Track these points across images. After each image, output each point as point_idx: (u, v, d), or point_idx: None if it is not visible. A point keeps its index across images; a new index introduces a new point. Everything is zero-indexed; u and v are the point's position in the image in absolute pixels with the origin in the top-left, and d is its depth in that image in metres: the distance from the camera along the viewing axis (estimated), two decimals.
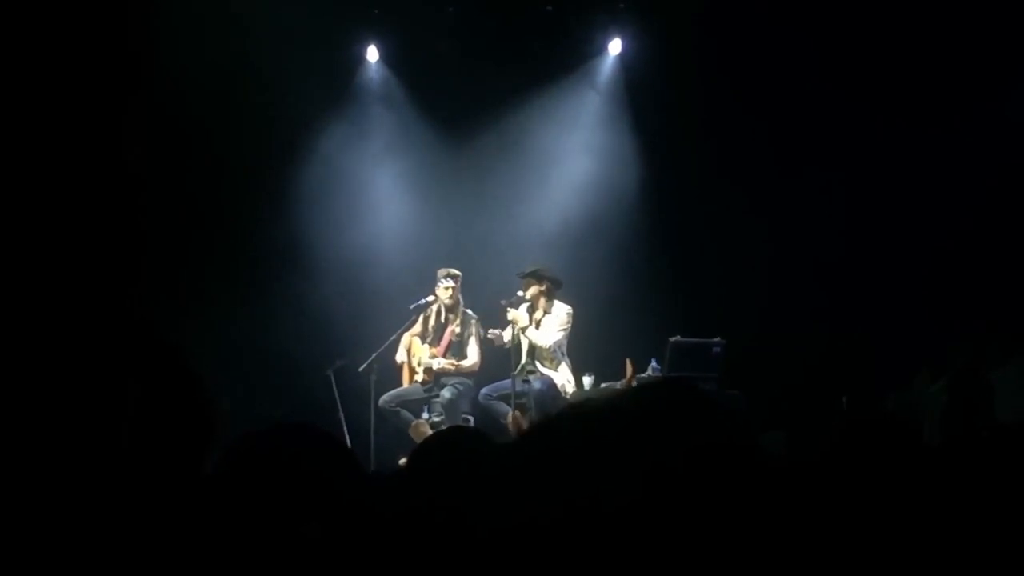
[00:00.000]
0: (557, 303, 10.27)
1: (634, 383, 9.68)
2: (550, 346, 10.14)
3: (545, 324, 10.23)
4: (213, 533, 2.08)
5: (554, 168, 11.86)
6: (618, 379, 9.88)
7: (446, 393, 10.21)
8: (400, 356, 10.49)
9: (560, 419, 1.37)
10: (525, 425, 10.08)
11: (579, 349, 10.36)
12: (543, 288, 10.24)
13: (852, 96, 10.59)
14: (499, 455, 2.74)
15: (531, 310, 10.33)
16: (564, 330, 10.22)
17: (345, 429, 9.99)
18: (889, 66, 10.50)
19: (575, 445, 1.30)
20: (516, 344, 10.39)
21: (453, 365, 10.36)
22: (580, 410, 1.37)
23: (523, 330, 10.17)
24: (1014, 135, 10.13)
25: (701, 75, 11.11)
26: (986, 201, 9.97)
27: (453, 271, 10.40)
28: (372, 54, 11.97)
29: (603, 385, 9.97)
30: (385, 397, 10.27)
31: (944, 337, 9.50)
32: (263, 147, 10.94)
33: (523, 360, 10.36)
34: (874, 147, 10.58)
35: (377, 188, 11.99)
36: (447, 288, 10.35)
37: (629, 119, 11.87)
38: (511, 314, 10.11)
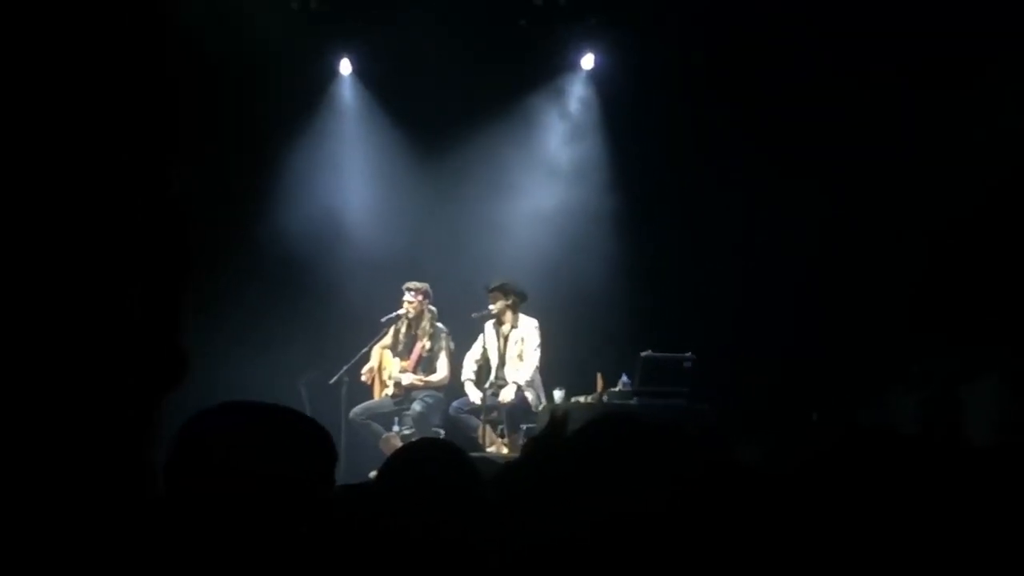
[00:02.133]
0: (523, 317, 10.32)
1: (605, 398, 9.68)
2: (536, 367, 10.22)
3: (520, 349, 10.26)
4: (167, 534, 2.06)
5: (526, 182, 11.87)
6: (589, 393, 9.88)
7: (416, 406, 10.21)
8: (366, 370, 10.47)
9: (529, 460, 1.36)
10: (495, 439, 10.10)
11: (550, 363, 10.38)
12: (509, 302, 10.29)
13: (825, 112, 10.61)
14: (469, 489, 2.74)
15: (498, 324, 10.36)
16: (539, 346, 10.25)
17: None
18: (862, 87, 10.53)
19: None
20: (486, 358, 10.43)
21: (422, 381, 10.36)
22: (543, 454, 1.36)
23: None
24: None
25: (673, 91, 11.14)
26: (953, 215, 9.98)
27: (418, 284, 10.39)
28: (345, 67, 11.96)
29: (573, 399, 9.97)
30: (356, 410, 10.26)
31: (915, 352, 9.56)
32: (233, 159, 10.88)
33: (492, 374, 10.38)
34: (844, 165, 10.60)
35: (349, 203, 11.97)
36: (411, 302, 10.35)
37: (601, 133, 11.91)
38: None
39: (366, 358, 10.49)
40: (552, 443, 1.34)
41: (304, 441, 2.27)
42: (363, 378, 10.50)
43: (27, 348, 0.83)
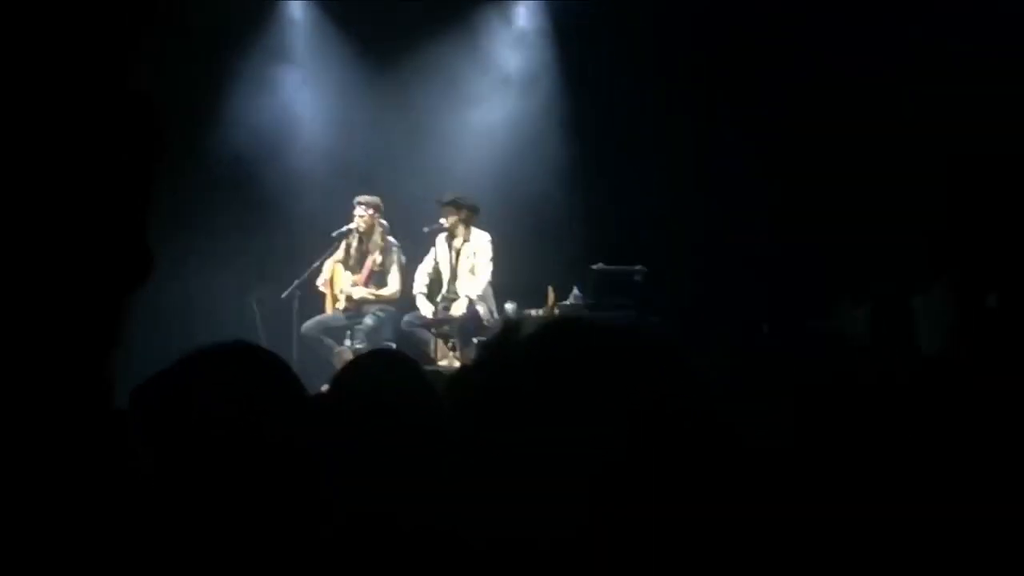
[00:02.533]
0: (475, 231, 10.29)
1: (556, 311, 9.72)
2: (488, 281, 10.21)
3: (472, 263, 10.24)
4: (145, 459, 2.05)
5: (477, 93, 11.80)
6: (540, 306, 9.91)
7: (368, 320, 10.21)
8: (320, 283, 10.45)
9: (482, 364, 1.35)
10: (447, 352, 10.12)
11: (501, 276, 10.37)
12: (461, 216, 10.25)
13: (781, 26, 10.59)
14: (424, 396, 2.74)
15: (450, 238, 10.34)
16: (492, 260, 10.24)
17: None
18: None
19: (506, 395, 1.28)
20: (438, 272, 10.42)
21: (373, 295, 10.34)
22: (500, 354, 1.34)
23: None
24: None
25: (624, 11, 11.07)
26: (904, 126, 9.99)
27: (368, 198, 10.33)
28: None
29: (525, 312, 9.98)
30: (307, 324, 10.24)
31: (865, 263, 9.62)
32: (184, 75, 10.74)
33: (444, 288, 10.38)
34: (798, 74, 10.58)
35: (300, 117, 11.87)
36: (362, 216, 10.30)
37: (551, 42, 11.84)
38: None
39: (317, 273, 10.45)
40: (505, 346, 1.32)
41: (269, 381, 2.26)
42: (321, 287, 10.46)
43: None
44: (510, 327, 1.37)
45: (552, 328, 1.39)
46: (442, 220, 10.25)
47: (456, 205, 10.24)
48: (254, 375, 2.23)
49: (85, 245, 0.78)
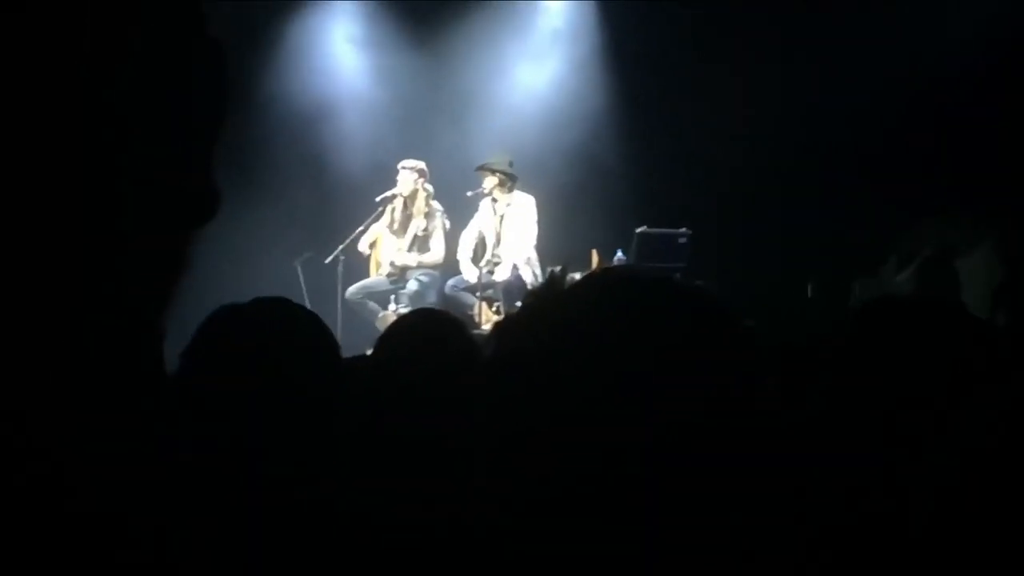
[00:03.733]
0: (519, 194, 10.29)
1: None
2: (532, 244, 10.22)
3: (516, 226, 10.24)
4: (186, 410, 2.06)
5: (519, 62, 11.83)
6: (584, 270, 9.89)
7: (412, 285, 10.22)
8: (364, 247, 10.47)
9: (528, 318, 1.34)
10: (492, 316, 10.12)
11: (544, 240, 10.36)
12: (497, 180, 10.24)
13: None
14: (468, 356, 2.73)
15: (493, 202, 10.34)
16: (536, 223, 10.24)
17: None
18: None
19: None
20: (482, 236, 10.42)
21: (417, 261, 10.35)
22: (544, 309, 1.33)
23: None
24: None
25: None
26: (951, 80, 9.89)
27: (414, 163, 10.33)
28: None
29: (569, 276, 9.95)
30: (351, 289, 10.28)
31: (910, 226, 9.54)
32: (226, 40, 10.75)
33: (488, 252, 10.38)
34: (840, 39, 10.49)
35: (344, 82, 11.93)
36: (406, 180, 10.30)
37: (594, 12, 11.81)
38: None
39: (361, 237, 10.47)
40: (551, 294, 1.31)
41: (307, 337, 2.28)
42: (364, 251, 10.48)
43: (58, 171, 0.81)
44: (555, 278, 1.36)
45: (597, 278, 1.37)
46: (484, 184, 10.26)
47: (489, 169, 10.24)
48: (288, 329, 2.24)
49: (158, 178, 0.79)
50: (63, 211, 0.85)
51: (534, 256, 10.29)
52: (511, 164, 10.31)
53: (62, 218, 0.85)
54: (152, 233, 0.90)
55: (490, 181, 10.24)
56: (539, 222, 10.27)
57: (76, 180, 0.85)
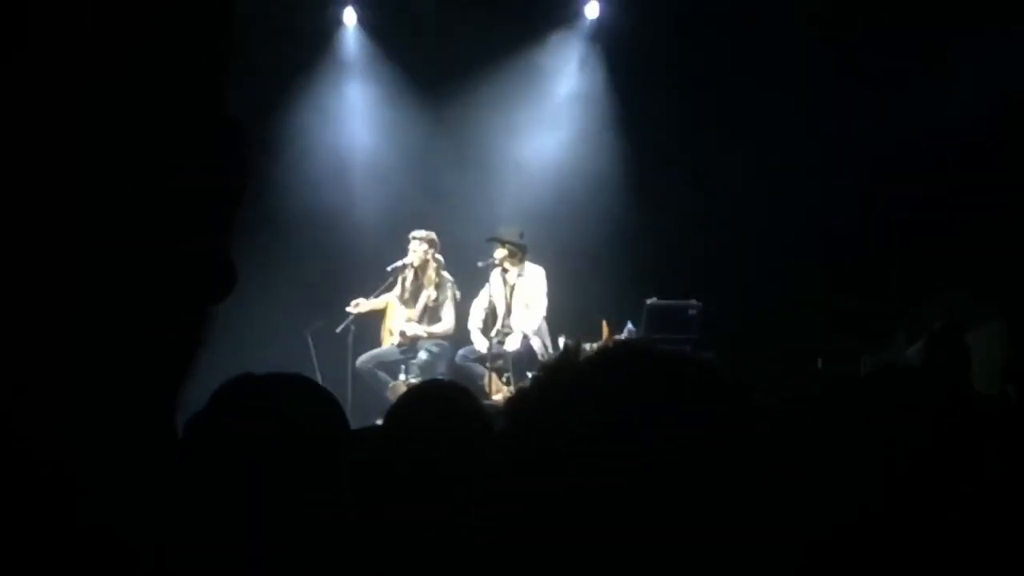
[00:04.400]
0: (529, 265, 10.34)
1: (611, 345, 9.69)
2: (542, 315, 10.25)
3: (526, 297, 10.28)
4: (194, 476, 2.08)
5: (531, 130, 11.88)
6: (594, 341, 9.89)
7: (422, 355, 10.25)
8: (363, 307, 10.46)
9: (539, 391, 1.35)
10: (502, 387, 10.12)
11: (555, 310, 10.39)
12: (507, 252, 10.30)
13: (842, 61, 10.56)
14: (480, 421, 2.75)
15: (503, 273, 10.39)
16: (546, 294, 10.28)
17: None
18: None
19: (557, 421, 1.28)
20: (492, 307, 10.44)
21: (427, 331, 10.39)
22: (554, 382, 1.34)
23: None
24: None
25: (679, 39, 11.08)
26: (958, 154, 9.92)
27: (424, 233, 10.39)
28: (349, 17, 11.96)
29: (581, 346, 9.96)
30: (362, 358, 10.30)
31: (920, 300, 9.54)
32: (238, 105, 10.83)
33: (499, 322, 10.40)
34: (851, 110, 10.55)
35: (355, 149, 12.01)
36: (417, 251, 10.36)
37: (605, 80, 11.89)
38: None
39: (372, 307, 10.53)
40: (565, 368, 1.33)
41: (316, 409, 2.29)
42: (359, 310, 10.49)
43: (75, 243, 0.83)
44: (570, 350, 1.37)
45: (613, 352, 1.39)
46: (495, 255, 10.30)
47: (499, 240, 10.30)
48: (294, 403, 2.25)
49: (178, 256, 0.81)
50: (86, 291, 0.87)
51: (544, 326, 10.32)
52: (521, 235, 10.36)
53: (85, 298, 0.86)
54: (172, 313, 0.92)
55: (500, 252, 10.29)
56: (548, 292, 10.30)
57: (99, 261, 0.88)
